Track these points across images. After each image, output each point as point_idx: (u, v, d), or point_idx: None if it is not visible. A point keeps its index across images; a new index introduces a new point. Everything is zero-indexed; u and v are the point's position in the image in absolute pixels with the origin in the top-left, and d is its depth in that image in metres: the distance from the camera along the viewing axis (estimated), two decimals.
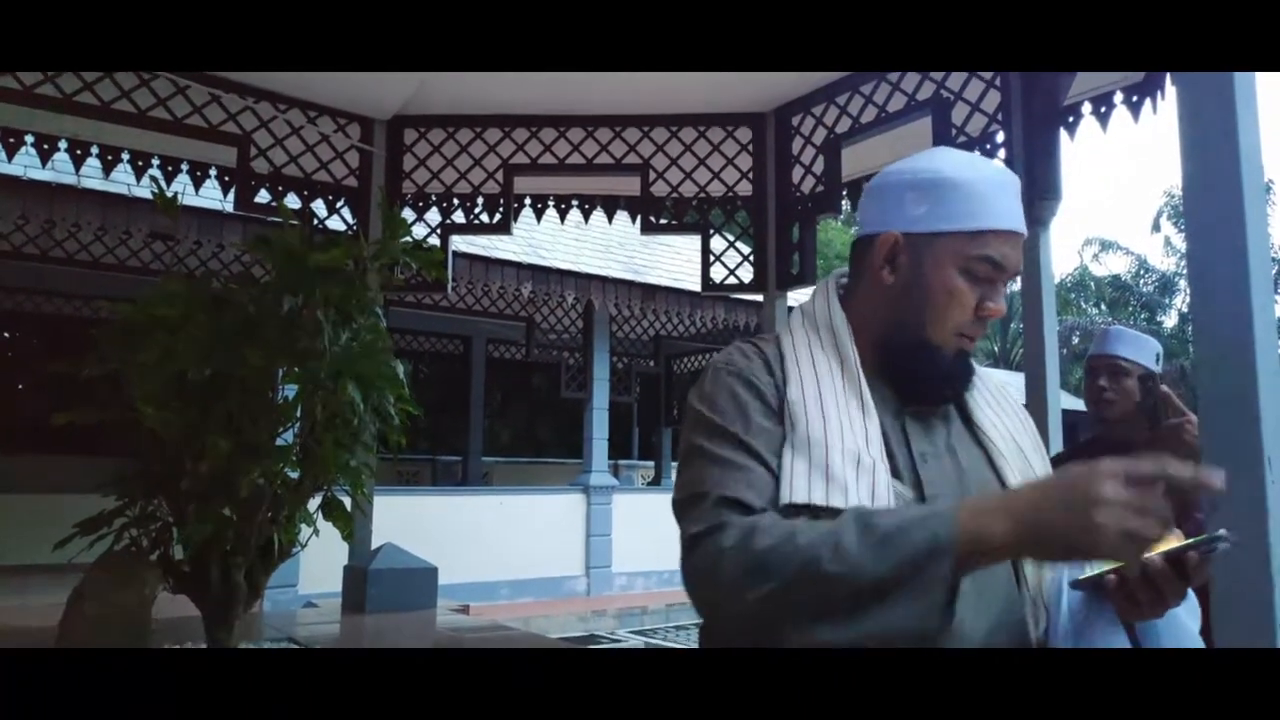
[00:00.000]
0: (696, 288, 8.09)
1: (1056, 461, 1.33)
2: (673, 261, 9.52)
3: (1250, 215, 1.32)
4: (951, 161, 1.14)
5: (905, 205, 1.12)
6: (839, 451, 1.03)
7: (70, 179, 5.02)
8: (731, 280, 4.15)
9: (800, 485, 1.02)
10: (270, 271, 2.08)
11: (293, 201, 4.00)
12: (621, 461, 13.28)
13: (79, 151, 3.93)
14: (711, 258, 4.15)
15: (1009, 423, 1.19)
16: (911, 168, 1.15)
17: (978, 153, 3.21)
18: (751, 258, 4.11)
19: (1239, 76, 1.34)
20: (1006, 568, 1.07)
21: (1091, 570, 0.96)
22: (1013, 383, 1.33)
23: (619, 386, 10.37)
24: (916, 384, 1.13)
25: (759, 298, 4.20)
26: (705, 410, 1.10)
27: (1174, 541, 0.90)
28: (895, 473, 1.07)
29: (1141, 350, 2.55)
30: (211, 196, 5.19)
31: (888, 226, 1.13)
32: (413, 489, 10.10)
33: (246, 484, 1.99)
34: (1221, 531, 0.89)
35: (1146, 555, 0.90)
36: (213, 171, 4.09)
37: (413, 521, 6.83)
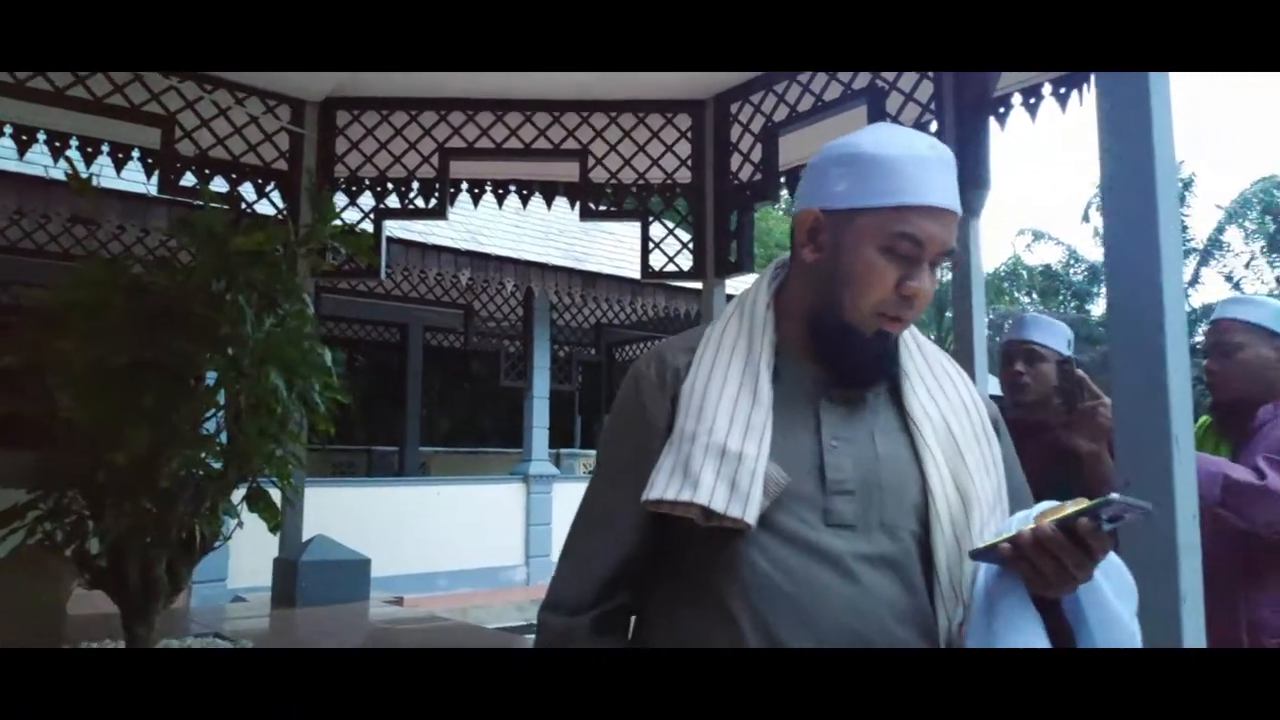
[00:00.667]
0: (637, 275, 8.13)
1: None
2: (614, 249, 9.50)
3: (1163, 208, 1.36)
4: (878, 136, 1.11)
5: (829, 181, 1.11)
6: (702, 445, 1.05)
7: None
8: (671, 268, 4.16)
9: (658, 483, 1.06)
10: (193, 256, 2.02)
11: (220, 185, 3.89)
12: (563, 450, 13.24)
13: None
14: (651, 245, 4.15)
15: (944, 407, 1.14)
16: (840, 143, 1.13)
17: None
18: (691, 245, 4.12)
19: (1154, 77, 1.38)
20: (905, 559, 1.06)
21: (991, 540, 0.98)
22: None
23: (560, 375, 10.32)
24: (838, 366, 1.12)
25: (698, 285, 4.21)
26: (600, 449, 1.23)
27: (1070, 510, 0.92)
28: (791, 461, 1.06)
29: (1054, 335, 2.62)
30: (136, 179, 5.01)
31: (811, 203, 1.12)
32: (347, 480, 9.93)
33: (166, 474, 1.93)
34: (1112, 495, 0.90)
35: (1037, 523, 0.93)
36: (136, 153, 3.95)
37: (348, 513, 6.72)
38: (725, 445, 1.04)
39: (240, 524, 2.09)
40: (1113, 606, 0.97)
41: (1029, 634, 0.96)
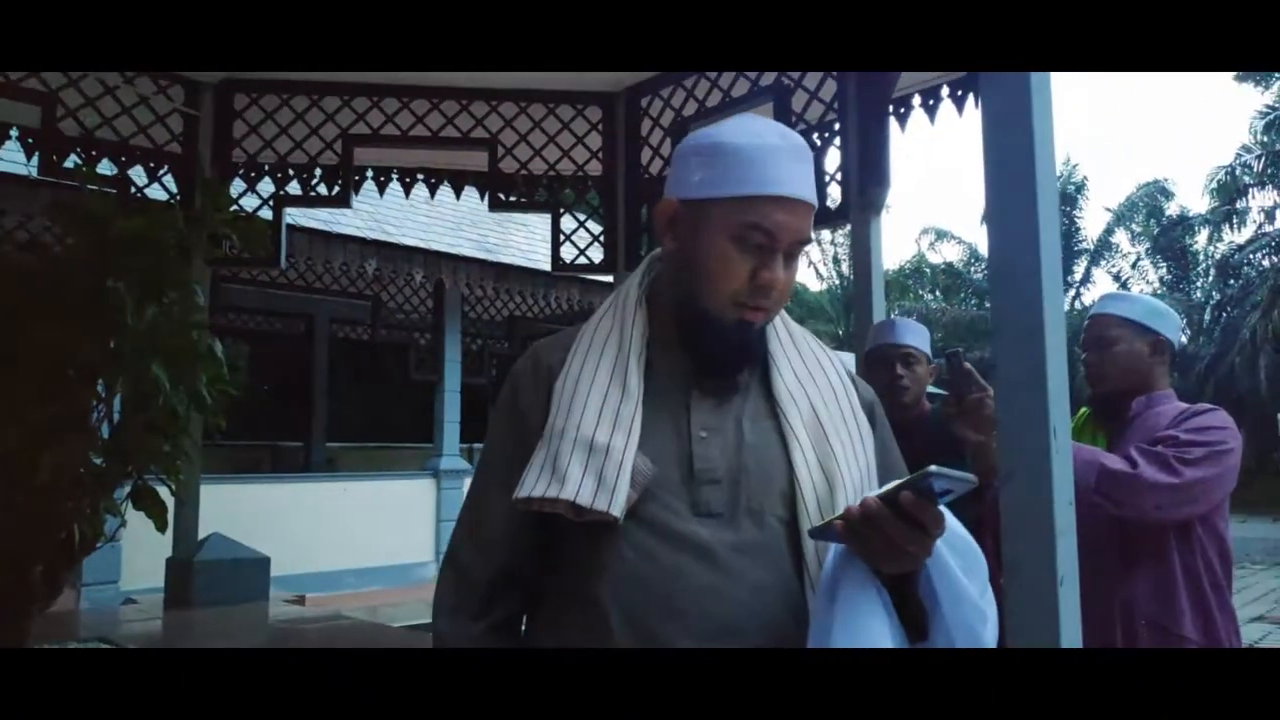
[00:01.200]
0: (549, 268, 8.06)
1: None
2: (527, 240, 9.42)
3: (1042, 209, 1.41)
4: (734, 127, 1.12)
5: (687, 171, 1.12)
6: (570, 440, 1.06)
7: None
8: (582, 260, 4.14)
9: (527, 481, 1.07)
10: (71, 240, 1.91)
11: (107, 168, 3.70)
12: (475, 445, 13.08)
13: None
14: (562, 237, 4.13)
15: (812, 393, 1.15)
16: (700, 133, 1.15)
17: (817, 138, 3.33)
18: (602, 238, 4.11)
19: (1035, 78, 1.43)
20: (773, 544, 1.07)
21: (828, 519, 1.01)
22: (849, 362, 1.34)
23: (472, 368, 10.19)
24: (701, 356, 1.14)
25: (610, 278, 4.21)
26: (481, 452, 1.24)
27: (893, 485, 0.95)
28: (661, 453, 1.07)
29: (924, 338, 2.72)
30: (16, 160, 4.73)
31: (670, 193, 1.14)
32: (250, 476, 9.60)
33: (42, 470, 1.83)
34: (930, 467, 0.91)
35: (863, 499, 0.95)
36: (14, 132, 3.72)
37: (251, 511, 6.50)
38: (593, 439, 1.05)
39: (124, 523, 2.00)
40: (961, 584, 0.98)
41: (867, 612, 0.96)
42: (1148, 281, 23.85)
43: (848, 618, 0.96)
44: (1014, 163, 1.39)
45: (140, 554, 5.79)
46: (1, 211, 5.51)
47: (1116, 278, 23.98)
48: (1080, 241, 23.62)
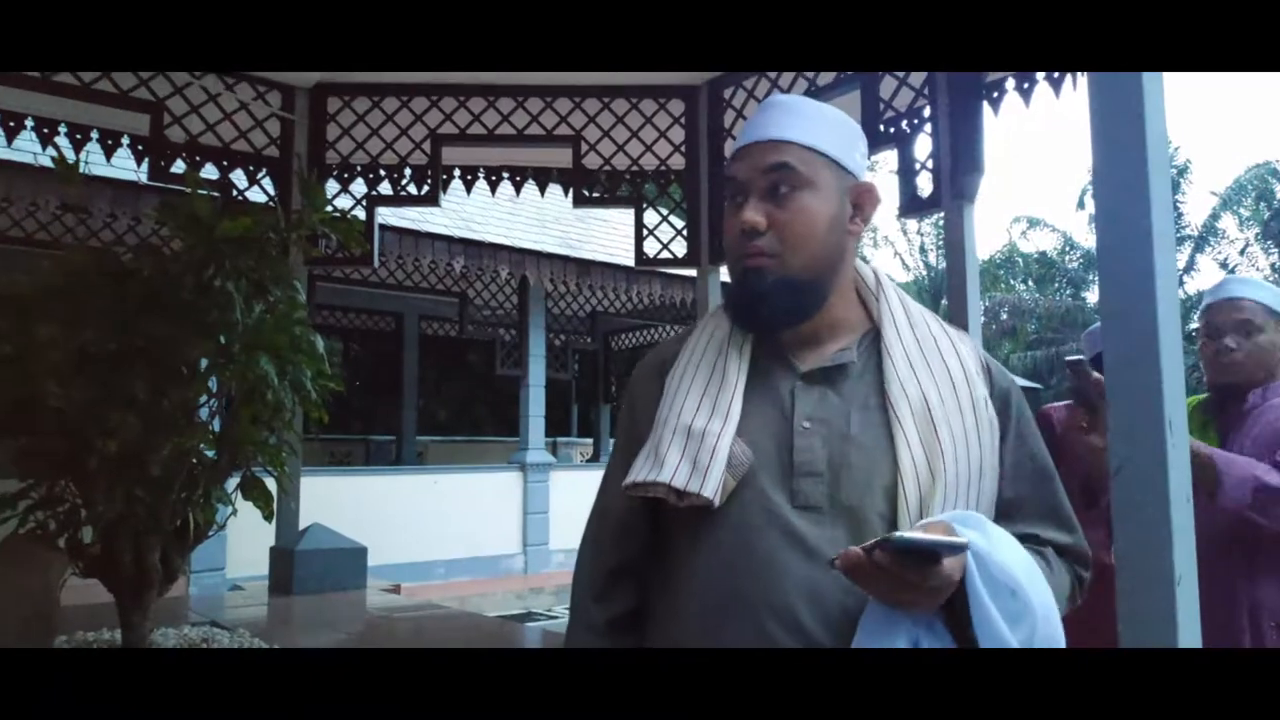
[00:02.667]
0: (632, 262, 8.10)
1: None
2: (608, 236, 9.47)
3: (1155, 194, 1.35)
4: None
5: None
6: (671, 428, 1.09)
7: None
8: (665, 255, 4.14)
9: (635, 467, 1.11)
10: (181, 242, 2.00)
11: (210, 172, 3.86)
12: (560, 439, 13.24)
13: None
14: (645, 232, 4.13)
15: (925, 381, 1.09)
16: None
17: (906, 125, 3.25)
18: (685, 232, 4.10)
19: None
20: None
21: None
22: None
23: (556, 363, 10.31)
24: (734, 319, 1.16)
25: (693, 272, 4.20)
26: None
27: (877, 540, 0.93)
28: (764, 443, 1.07)
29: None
30: (126, 167, 4.97)
31: None
32: (345, 469, 9.92)
33: (158, 462, 1.92)
34: (896, 534, 0.90)
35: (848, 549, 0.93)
36: (125, 140, 3.91)
37: (345, 502, 6.71)
38: (691, 425, 1.08)
39: (234, 512, 2.08)
40: (1000, 633, 0.94)
41: (881, 634, 0.96)
42: (1258, 268, 22.62)
43: (866, 637, 0.97)
44: (1124, 148, 1.33)
45: (244, 543, 6.03)
46: (113, 216, 5.80)
47: (1223, 265, 22.82)
48: (1184, 228, 22.54)
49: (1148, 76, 1.35)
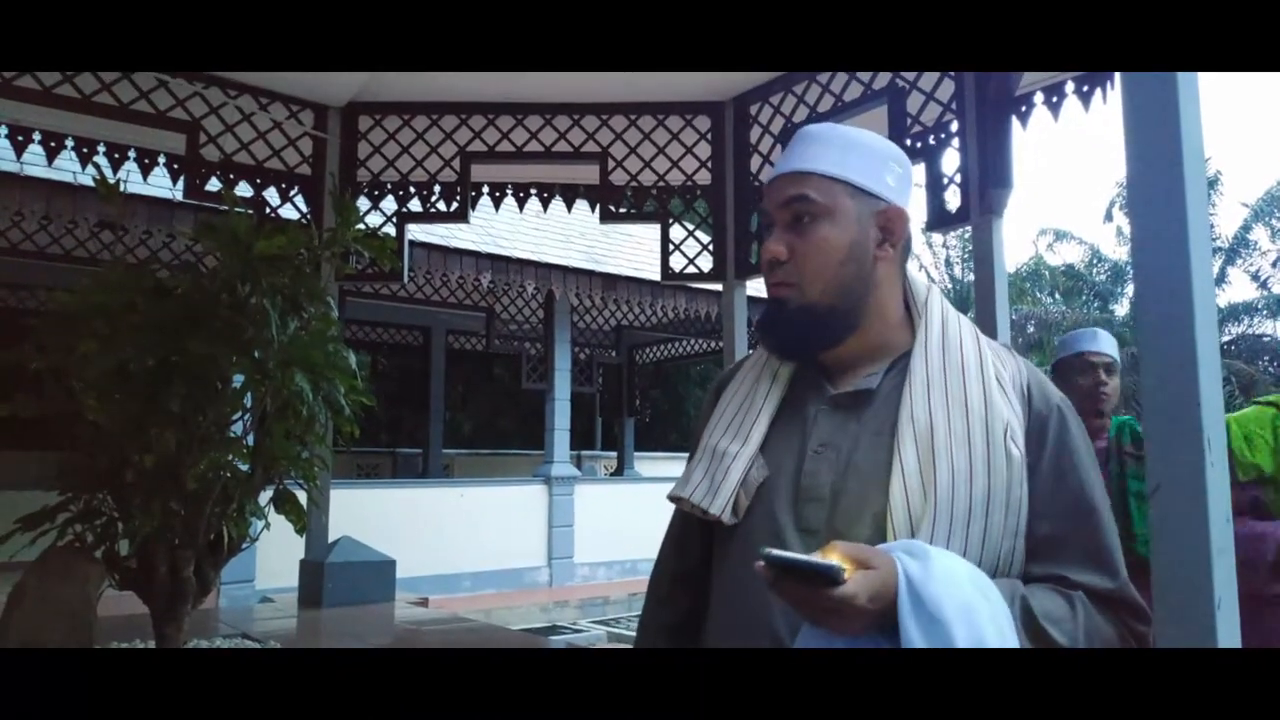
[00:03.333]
0: (657, 277, 8.10)
1: None
2: (634, 251, 9.50)
3: (1191, 205, 1.34)
4: None
5: None
6: (703, 448, 1.16)
7: (12, 166, 4.87)
8: (691, 269, 4.15)
9: (676, 483, 1.18)
10: (217, 259, 2.04)
11: (244, 189, 3.92)
12: (584, 452, 13.26)
13: (20, 138, 3.82)
14: (671, 247, 4.15)
15: (937, 407, 1.06)
16: None
17: (933, 140, 3.25)
18: (711, 247, 4.11)
19: (1182, 76, 1.36)
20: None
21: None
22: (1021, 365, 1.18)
23: (581, 377, 10.34)
24: (763, 343, 1.20)
25: (719, 287, 4.21)
26: None
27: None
28: (780, 466, 1.10)
29: (1117, 351, 2.73)
30: (161, 185, 5.06)
31: None
32: (372, 482, 10.00)
33: (194, 476, 1.95)
34: (772, 550, 0.90)
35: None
36: (161, 159, 3.99)
37: (373, 515, 6.76)
38: (715, 446, 1.15)
39: (268, 525, 2.11)
40: (910, 639, 0.91)
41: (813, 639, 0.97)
42: None
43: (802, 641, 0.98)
44: (1160, 159, 1.32)
45: (272, 555, 6.10)
46: (148, 233, 5.91)
47: (1255, 277, 22.47)
48: (1215, 239, 22.24)
49: (1182, 80, 1.34)
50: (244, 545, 2.16)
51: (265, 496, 2.22)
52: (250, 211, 3.26)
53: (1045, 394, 1.11)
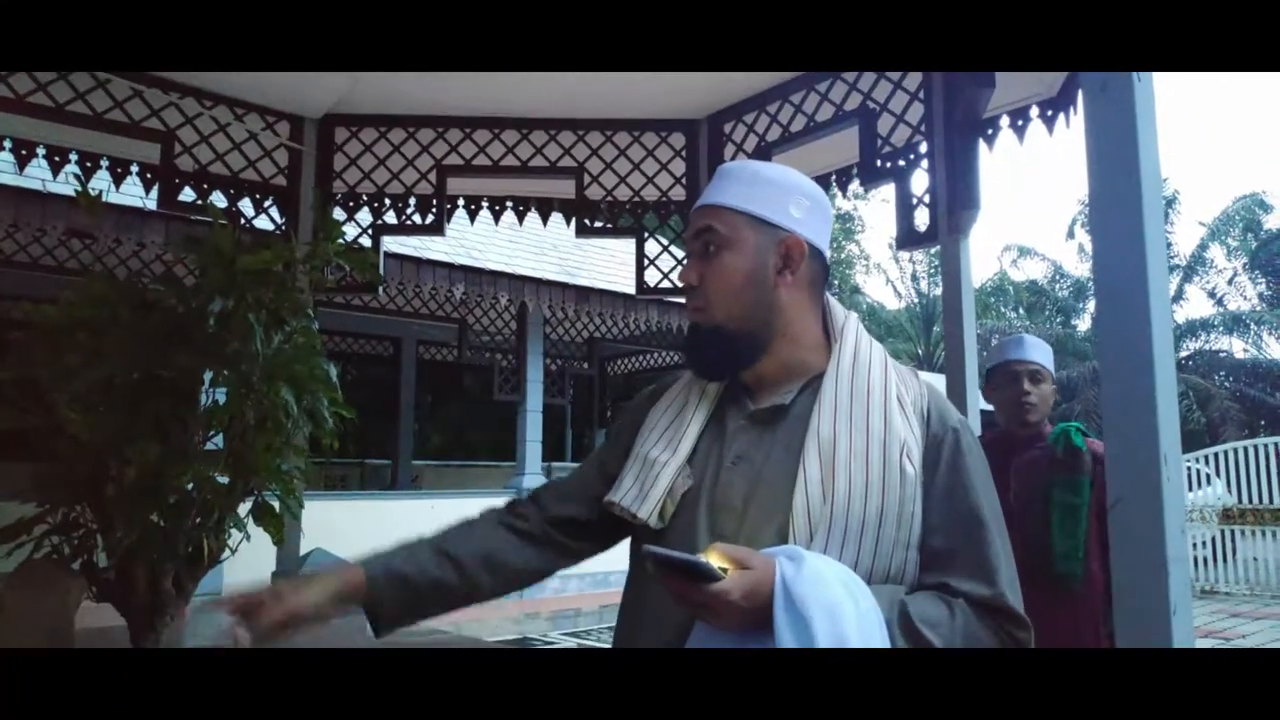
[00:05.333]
0: (630, 290, 8.10)
1: None
2: (607, 264, 9.54)
3: (1149, 224, 1.40)
4: None
5: None
6: (635, 456, 1.25)
7: None
8: (666, 284, 4.20)
9: (613, 490, 1.24)
10: (196, 272, 2.05)
11: (219, 200, 3.91)
12: (554, 464, 13.23)
13: None
14: (646, 261, 4.19)
15: (841, 428, 1.13)
16: None
17: (903, 161, 3.33)
18: (685, 262, 4.16)
19: (1140, 91, 1.43)
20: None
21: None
22: (937, 384, 1.30)
23: (552, 388, 10.36)
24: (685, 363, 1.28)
25: None
26: None
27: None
28: (702, 476, 1.18)
29: (1049, 357, 2.71)
30: (132, 193, 5.02)
31: None
32: (341, 494, 9.91)
33: (175, 489, 1.96)
34: (654, 547, 1.00)
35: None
36: (134, 168, 3.97)
37: (342, 527, 6.68)
38: (647, 455, 1.22)
39: (247, 537, 2.12)
40: (780, 634, 0.98)
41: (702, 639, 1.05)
42: (1245, 298, 22.84)
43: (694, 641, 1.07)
44: (1118, 180, 1.39)
45: (240, 568, 6.02)
46: (118, 241, 5.85)
47: (1211, 294, 23.03)
48: (1173, 257, 22.75)
49: (1140, 99, 1.40)
50: (223, 557, 2.17)
51: (244, 509, 2.23)
52: (228, 225, 3.26)
53: (943, 416, 1.18)
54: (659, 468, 1.19)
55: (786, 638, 0.97)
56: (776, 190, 1.22)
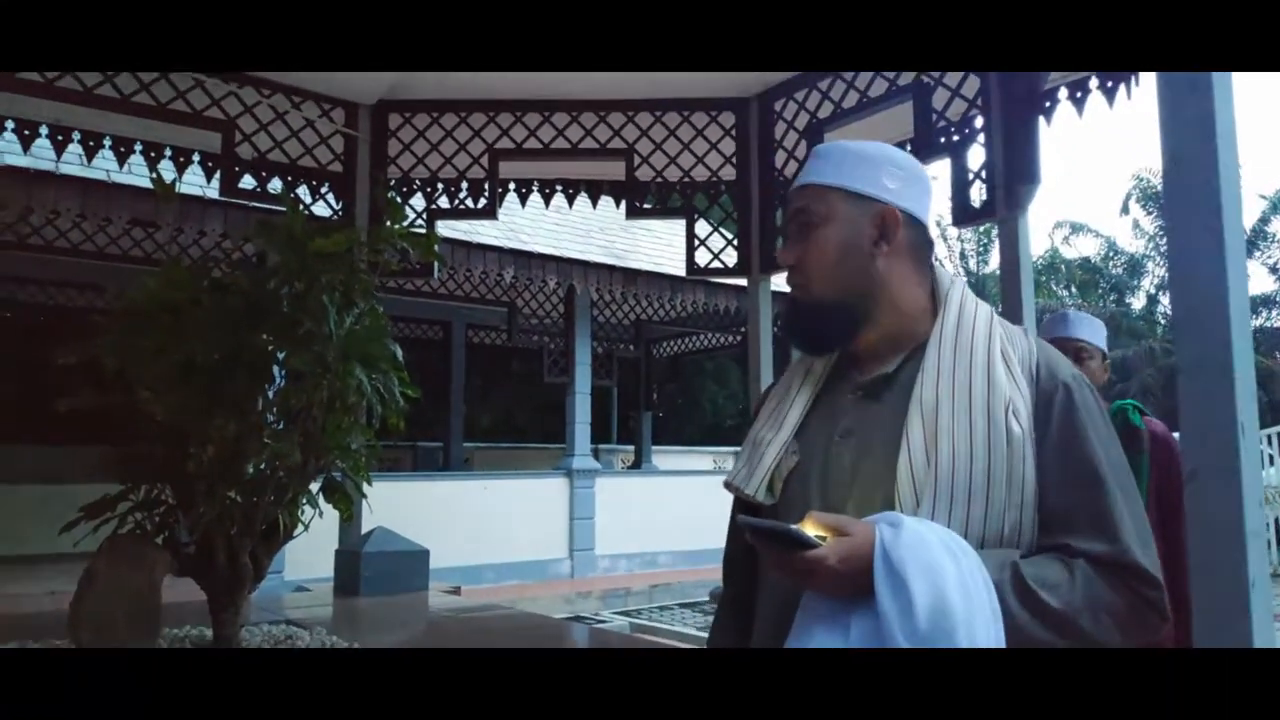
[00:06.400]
0: (676, 272, 8.10)
1: None
2: (653, 246, 9.55)
3: (1225, 190, 1.39)
4: None
5: None
6: (747, 439, 1.29)
7: (49, 165, 4.97)
8: (716, 265, 4.20)
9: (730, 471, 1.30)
10: (253, 258, 2.11)
11: (276, 186, 4.00)
12: (601, 446, 13.34)
13: (60, 137, 3.91)
14: (696, 242, 4.20)
15: (944, 392, 1.12)
16: None
17: (957, 136, 3.29)
18: (735, 242, 4.16)
19: (1219, 89, 1.41)
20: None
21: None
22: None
23: (600, 371, 10.40)
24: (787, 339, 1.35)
25: (742, 282, 4.26)
26: None
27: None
28: (812, 451, 1.20)
29: (1098, 333, 2.66)
30: (191, 182, 5.15)
31: None
32: (398, 474, 10.10)
33: (253, 465, 2.02)
34: (750, 518, 1.06)
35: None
36: (196, 157, 4.07)
37: (398, 506, 6.82)
38: (756, 436, 1.27)
39: (320, 514, 2.19)
40: (881, 598, 0.99)
41: (811, 620, 1.06)
42: None
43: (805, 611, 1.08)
44: (1194, 149, 1.37)
45: (301, 546, 6.18)
46: (179, 230, 6.00)
47: (1274, 269, 22.32)
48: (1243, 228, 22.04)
49: (1218, 79, 1.38)
50: (297, 533, 2.24)
51: (314, 486, 2.30)
52: (301, 209, 3.34)
53: (1054, 372, 1.15)
54: (764, 445, 1.24)
55: (886, 600, 0.98)
56: (868, 164, 1.23)
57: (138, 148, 4.01)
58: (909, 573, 0.98)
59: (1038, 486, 1.09)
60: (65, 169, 5.23)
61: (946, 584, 0.97)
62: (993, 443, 1.09)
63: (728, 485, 1.28)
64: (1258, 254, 22.37)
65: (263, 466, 2.13)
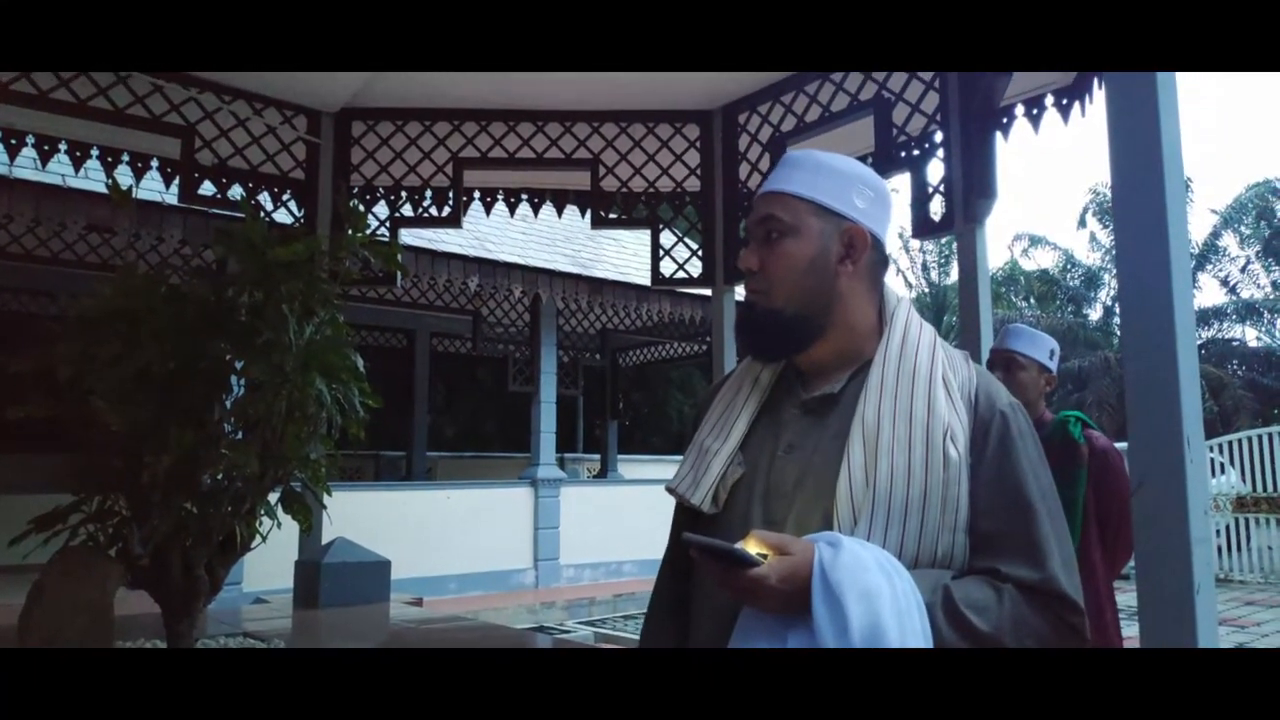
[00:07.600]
0: (643, 281, 8.12)
1: None
2: (619, 255, 9.56)
3: (1171, 209, 1.42)
4: None
5: None
6: (692, 445, 1.29)
7: (1, 169, 4.87)
8: (681, 275, 4.22)
9: (673, 476, 1.29)
10: (213, 265, 2.08)
11: (237, 193, 3.96)
12: (567, 455, 13.30)
13: (13, 141, 3.83)
14: (661, 252, 4.22)
15: (885, 412, 1.14)
16: None
17: (917, 150, 3.34)
18: (700, 252, 4.19)
19: (1162, 80, 1.44)
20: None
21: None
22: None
23: (565, 380, 10.38)
24: (738, 344, 1.31)
25: (706, 292, 4.28)
26: None
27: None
28: (756, 464, 1.20)
29: (1037, 346, 2.71)
30: (150, 188, 5.08)
31: None
32: (356, 484, 9.98)
33: (210, 476, 1.99)
34: (693, 535, 1.05)
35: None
36: (154, 163, 4.01)
37: (357, 517, 6.75)
38: (702, 443, 1.27)
39: (278, 524, 2.16)
40: (817, 615, 1.01)
41: (748, 631, 1.08)
42: (1259, 286, 22.68)
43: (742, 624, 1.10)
44: (1141, 168, 1.41)
45: (259, 557, 6.09)
46: (136, 235, 5.90)
47: (1224, 282, 22.88)
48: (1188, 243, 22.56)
49: (1162, 89, 1.42)
50: (254, 544, 2.21)
51: (273, 497, 2.27)
52: (260, 217, 3.30)
53: (992, 400, 1.17)
54: (711, 455, 1.23)
55: (823, 620, 1.00)
56: (841, 179, 1.23)
57: (94, 153, 3.94)
58: (846, 596, 1.00)
59: (970, 511, 1.11)
60: (19, 173, 5.13)
61: (881, 607, 1.00)
62: (930, 465, 1.11)
63: (671, 490, 1.27)
64: (1210, 267, 22.91)
65: (220, 477, 2.10)
